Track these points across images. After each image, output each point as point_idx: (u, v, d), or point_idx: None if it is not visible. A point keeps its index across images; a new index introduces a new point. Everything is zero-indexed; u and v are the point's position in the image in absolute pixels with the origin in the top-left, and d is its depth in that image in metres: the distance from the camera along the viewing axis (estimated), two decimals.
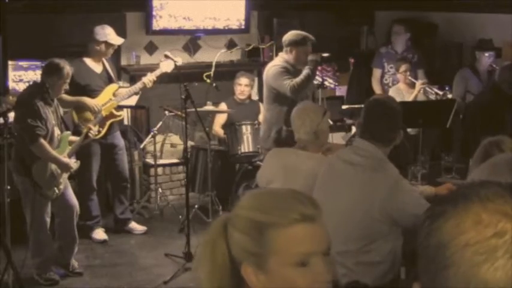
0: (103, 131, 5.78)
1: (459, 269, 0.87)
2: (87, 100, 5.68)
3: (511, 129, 5.09)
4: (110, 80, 5.89)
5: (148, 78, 5.79)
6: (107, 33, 5.74)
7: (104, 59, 5.87)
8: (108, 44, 5.76)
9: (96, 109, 5.68)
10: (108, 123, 5.81)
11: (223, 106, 6.83)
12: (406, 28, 7.12)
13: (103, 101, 5.75)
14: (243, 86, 6.80)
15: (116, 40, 5.81)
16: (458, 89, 6.48)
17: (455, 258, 0.88)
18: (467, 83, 6.46)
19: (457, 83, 6.55)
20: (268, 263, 1.40)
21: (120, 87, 5.97)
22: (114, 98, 5.81)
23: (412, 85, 6.50)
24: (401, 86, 6.61)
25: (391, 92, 6.49)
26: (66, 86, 5.00)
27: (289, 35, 5.44)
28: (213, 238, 1.47)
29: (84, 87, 5.69)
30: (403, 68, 6.57)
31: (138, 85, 5.85)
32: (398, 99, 6.05)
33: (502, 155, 2.86)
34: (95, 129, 5.25)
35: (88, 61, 5.78)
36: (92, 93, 5.74)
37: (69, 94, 5.49)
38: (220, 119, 6.85)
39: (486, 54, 6.56)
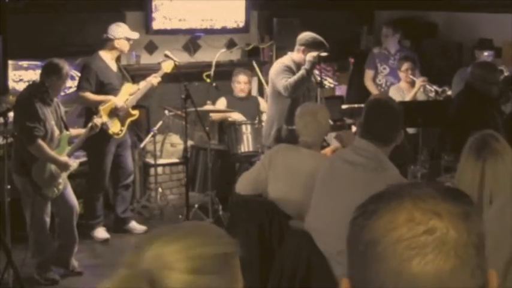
0: (124, 130, 5.83)
1: (390, 263, 0.90)
2: (115, 100, 5.70)
3: (492, 127, 5.03)
4: (124, 79, 5.91)
5: (156, 80, 5.86)
6: (125, 29, 5.80)
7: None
8: (127, 40, 5.79)
9: (125, 108, 5.74)
10: (127, 122, 5.86)
11: (223, 101, 6.80)
12: (395, 29, 7.05)
13: (123, 100, 5.78)
14: (242, 84, 6.78)
15: (134, 35, 5.87)
16: (457, 89, 6.43)
17: (386, 253, 0.90)
18: None
19: (456, 82, 6.52)
20: None
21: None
22: (130, 98, 5.84)
23: (413, 84, 6.46)
24: (403, 84, 6.55)
25: (392, 91, 6.47)
26: (65, 86, 5.00)
27: (306, 36, 5.34)
28: None
29: (106, 85, 5.70)
30: (405, 66, 6.52)
31: (147, 85, 5.87)
32: (399, 98, 6.07)
33: None
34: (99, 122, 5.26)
35: (107, 59, 5.77)
36: (113, 92, 5.74)
37: (94, 93, 5.58)
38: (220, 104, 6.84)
39: (485, 54, 6.55)
